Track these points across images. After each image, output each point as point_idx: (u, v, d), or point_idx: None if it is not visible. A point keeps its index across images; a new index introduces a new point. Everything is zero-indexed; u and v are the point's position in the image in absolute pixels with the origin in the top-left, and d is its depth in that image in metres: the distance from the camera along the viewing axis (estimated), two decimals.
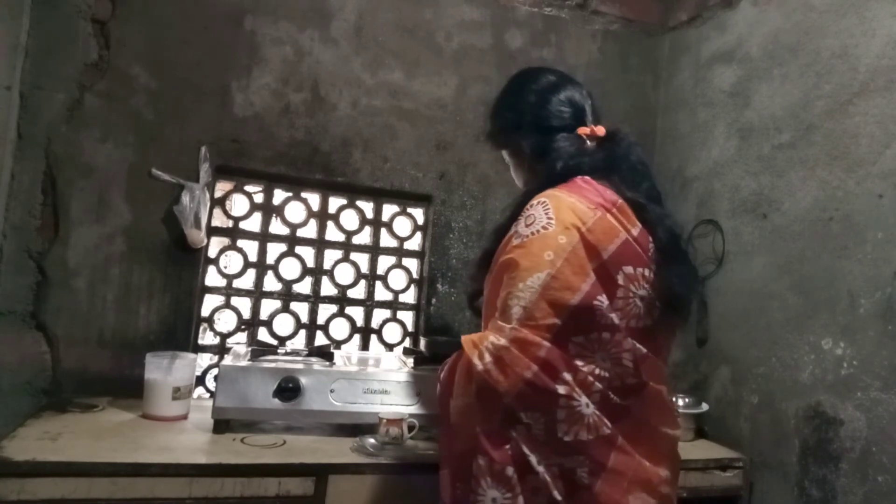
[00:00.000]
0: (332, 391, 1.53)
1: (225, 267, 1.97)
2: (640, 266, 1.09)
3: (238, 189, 1.98)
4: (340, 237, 2.09)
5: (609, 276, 1.06)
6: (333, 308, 2.07)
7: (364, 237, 2.13)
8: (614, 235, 1.08)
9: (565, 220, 1.07)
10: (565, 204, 1.09)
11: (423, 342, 1.92)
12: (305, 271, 2.03)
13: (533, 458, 1.00)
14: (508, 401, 1.00)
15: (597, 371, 1.04)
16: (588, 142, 1.24)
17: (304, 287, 2.04)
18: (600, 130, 1.25)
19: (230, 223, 1.98)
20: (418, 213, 2.17)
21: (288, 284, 2.01)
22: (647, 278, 1.10)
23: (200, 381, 1.90)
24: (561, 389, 1.00)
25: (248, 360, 1.56)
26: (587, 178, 1.16)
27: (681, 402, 1.87)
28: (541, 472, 1.00)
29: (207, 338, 1.95)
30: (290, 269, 2.02)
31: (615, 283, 1.06)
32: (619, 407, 1.05)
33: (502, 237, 1.16)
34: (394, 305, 2.13)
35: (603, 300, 1.04)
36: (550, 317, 1.01)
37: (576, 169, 1.18)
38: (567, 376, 1.01)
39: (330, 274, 2.06)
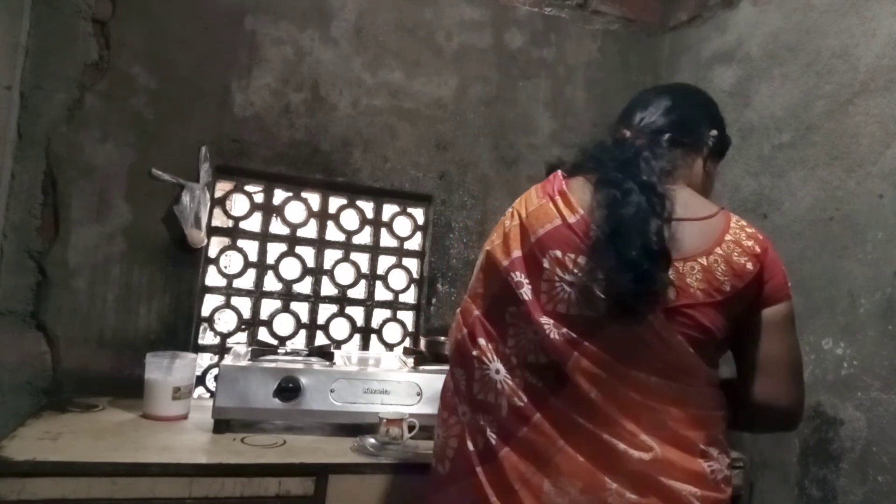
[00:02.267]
0: (332, 391, 1.53)
1: (225, 267, 1.97)
2: (570, 251, 1.06)
3: (238, 189, 1.98)
4: (340, 237, 2.09)
5: (535, 257, 1.10)
6: (333, 308, 2.07)
7: (364, 237, 2.13)
8: (546, 220, 1.11)
9: (516, 207, 1.18)
10: (525, 195, 1.19)
11: (423, 342, 1.92)
12: (305, 271, 2.03)
13: (460, 409, 1.13)
14: (450, 355, 1.19)
15: (524, 343, 1.09)
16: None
17: (305, 287, 2.04)
18: (625, 133, 1.26)
19: (230, 223, 1.98)
20: (418, 213, 2.17)
21: (288, 284, 2.01)
22: (580, 265, 1.05)
23: (201, 380, 1.90)
24: (474, 352, 1.11)
25: (249, 360, 1.56)
26: (558, 172, 1.20)
27: None
28: (464, 422, 1.12)
29: (207, 338, 1.95)
30: (290, 268, 2.02)
31: (540, 265, 1.09)
32: (536, 387, 1.06)
33: None
34: (394, 305, 2.13)
35: (518, 275, 1.09)
36: (481, 286, 1.16)
37: (565, 166, 1.23)
38: (482, 342, 1.11)
39: (330, 274, 2.06)
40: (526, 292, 1.08)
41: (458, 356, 1.16)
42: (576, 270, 1.07)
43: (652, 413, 1.04)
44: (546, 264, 1.08)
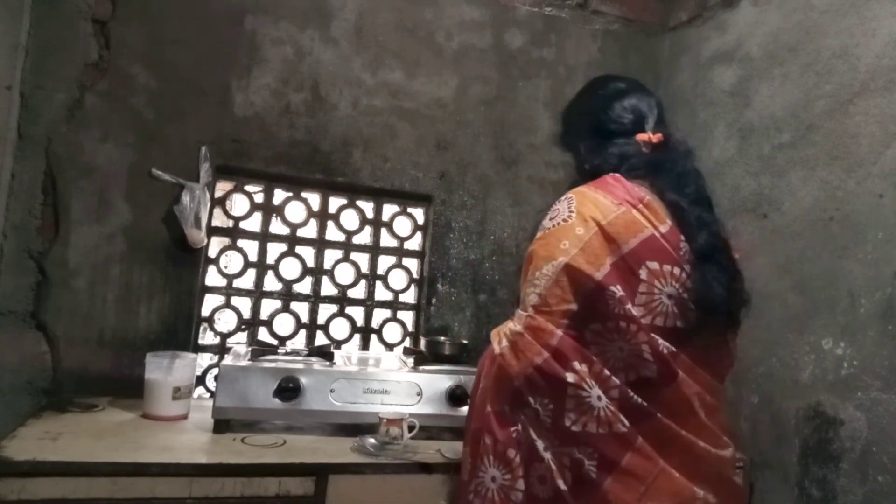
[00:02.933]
0: (332, 391, 1.53)
1: (225, 267, 1.97)
2: (667, 263, 1.08)
3: (238, 189, 1.98)
4: (341, 237, 2.09)
5: (630, 269, 1.06)
6: (334, 308, 2.07)
7: (364, 237, 2.13)
8: (637, 230, 1.08)
9: (585, 213, 1.09)
10: (589, 199, 1.12)
11: (423, 342, 1.92)
12: (306, 271, 2.03)
13: (539, 444, 1.02)
14: (518, 384, 1.04)
15: (612, 363, 1.04)
16: (644, 148, 1.25)
17: (305, 287, 2.04)
18: (656, 137, 1.26)
19: (230, 223, 1.98)
20: (418, 213, 2.17)
21: (288, 284, 2.01)
22: (677, 277, 1.08)
23: (201, 380, 1.90)
24: (570, 378, 1.02)
25: (249, 360, 1.56)
26: (617, 175, 1.17)
27: None
28: (547, 458, 1.02)
29: (208, 338, 1.95)
30: (290, 268, 2.02)
31: (637, 277, 1.06)
32: (640, 408, 1.03)
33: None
34: (394, 305, 2.13)
35: (618, 290, 1.04)
36: (564, 302, 1.04)
37: (609, 168, 1.20)
38: (578, 366, 1.02)
39: (330, 274, 2.06)
40: (629, 307, 1.04)
41: (538, 383, 1.04)
42: (674, 283, 1.08)
43: (722, 414, 1.13)
44: (643, 276, 1.06)
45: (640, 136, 1.26)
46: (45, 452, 1.24)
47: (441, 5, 2.14)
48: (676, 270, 1.08)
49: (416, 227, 2.17)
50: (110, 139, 1.79)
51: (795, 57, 1.80)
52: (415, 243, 2.18)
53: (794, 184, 1.76)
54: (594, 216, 1.09)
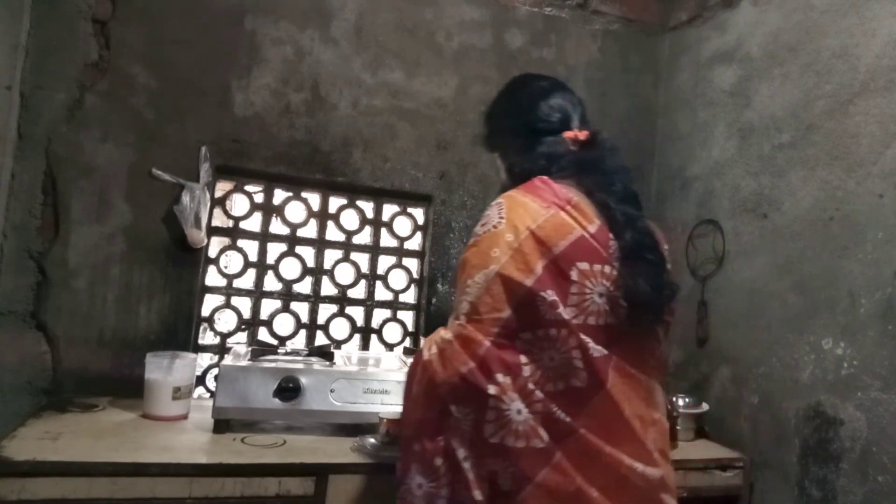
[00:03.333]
0: (332, 391, 1.53)
1: (225, 267, 1.97)
2: (597, 262, 1.08)
3: (238, 189, 1.98)
4: (341, 237, 2.09)
5: (561, 271, 1.05)
6: (334, 308, 2.07)
7: (364, 237, 2.13)
8: (567, 232, 1.08)
9: (515, 218, 1.09)
10: (518, 203, 1.12)
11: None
12: (306, 271, 2.03)
13: (460, 453, 1.02)
14: (442, 392, 1.04)
15: (540, 374, 1.02)
16: (571, 146, 1.25)
17: (305, 287, 2.04)
18: (583, 134, 1.26)
19: (230, 223, 1.98)
20: (418, 213, 2.17)
21: (288, 284, 2.01)
22: (608, 275, 1.08)
23: (201, 380, 1.90)
24: (491, 390, 1.00)
25: (249, 360, 1.56)
26: (544, 178, 1.17)
27: (681, 402, 1.87)
28: (465, 468, 1.02)
29: (208, 338, 1.95)
30: (290, 268, 2.02)
31: (568, 279, 1.05)
32: (562, 423, 1.01)
33: None
34: (394, 305, 2.13)
35: (549, 294, 1.04)
36: (494, 311, 1.04)
37: (542, 171, 1.19)
38: (501, 378, 1.01)
39: (330, 274, 2.06)
40: (560, 310, 1.03)
41: (460, 392, 1.03)
42: (605, 281, 1.07)
43: (660, 425, 1.10)
44: (574, 277, 1.06)
45: (567, 134, 1.26)
46: (45, 452, 1.24)
47: (441, 5, 2.14)
48: (607, 269, 1.08)
49: (417, 227, 2.17)
50: (110, 139, 1.79)
51: (795, 57, 1.80)
52: (415, 243, 2.18)
53: (794, 184, 1.76)
54: (524, 221, 1.08)
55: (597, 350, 1.04)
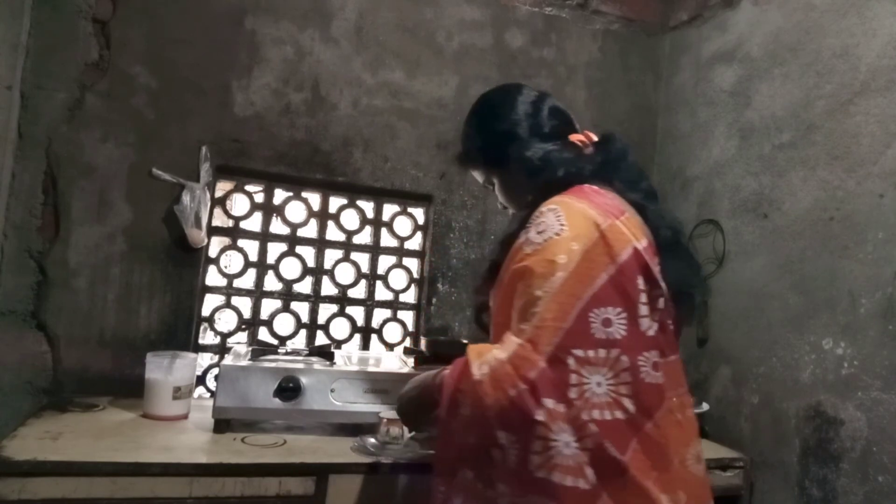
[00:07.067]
0: (332, 391, 1.53)
1: (225, 266, 1.97)
2: (649, 279, 1.04)
3: (238, 189, 1.98)
4: (341, 237, 2.09)
5: (620, 283, 1.00)
6: (334, 308, 2.07)
7: (364, 237, 2.13)
8: (626, 243, 1.03)
9: (576, 225, 1.03)
10: (576, 209, 1.06)
11: (423, 342, 1.92)
12: (306, 271, 2.03)
13: (499, 488, 0.95)
14: (490, 416, 0.95)
15: (591, 400, 0.94)
16: (584, 148, 1.23)
17: (305, 287, 2.04)
18: (592, 136, 1.25)
19: (231, 223, 1.98)
20: (419, 213, 2.17)
21: (288, 284, 2.01)
22: (656, 292, 1.05)
23: (201, 380, 1.90)
24: (539, 416, 0.91)
25: (249, 360, 1.56)
26: (591, 185, 1.13)
27: None
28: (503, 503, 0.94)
29: (208, 337, 1.95)
30: (290, 268, 2.02)
31: (625, 292, 1.01)
32: (612, 461, 0.93)
33: (509, 248, 1.12)
34: (394, 305, 2.13)
35: (607, 310, 0.98)
36: (558, 320, 0.96)
37: (577, 176, 1.15)
38: (552, 405, 0.92)
39: (330, 274, 2.06)
40: (619, 329, 0.97)
41: (508, 417, 0.93)
42: (660, 300, 1.04)
43: (697, 446, 1.08)
44: (641, 285, 1.01)
45: (576, 137, 1.24)
46: (45, 452, 1.24)
47: (441, 5, 2.14)
48: (657, 290, 1.05)
49: (417, 227, 2.17)
50: (110, 139, 1.79)
51: (796, 57, 1.80)
52: (415, 243, 2.18)
53: (794, 184, 1.76)
54: (587, 228, 1.03)
55: (649, 375, 0.98)
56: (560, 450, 0.91)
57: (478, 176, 1.38)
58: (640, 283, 1.02)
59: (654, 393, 0.98)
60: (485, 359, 0.99)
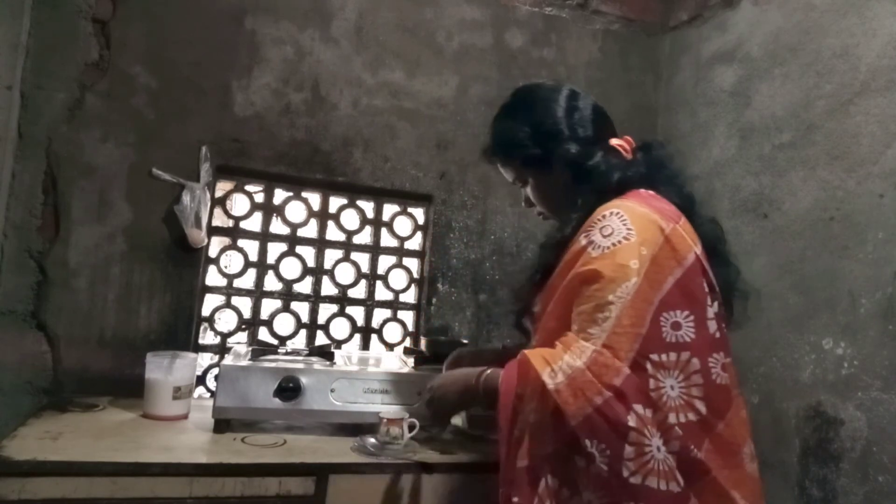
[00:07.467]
0: (332, 391, 1.53)
1: (225, 266, 1.97)
2: (707, 282, 1.06)
3: (238, 189, 1.98)
4: (341, 237, 2.09)
5: (687, 291, 1.01)
6: (334, 308, 2.07)
7: (364, 237, 2.13)
8: (688, 248, 1.04)
9: (643, 230, 1.02)
10: (640, 214, 1.05)
11: (423, 342, 1.92)
12: (306, 271, 2.03)
13: (585, 496, 0.94)
14: (574, 425, 0.93)
15: (668, 404, 0.95)
16: (625, 154, 1.22)
17: (305, 287, 2.04)
18: (632, 141, 1.24)
19: (231, 223, 1.98)
20: (419, 213, 2.17)
21: (288, 284, 2.01)
22: (714, 297, 1.07)
23: (201, 380, 1.90)
24: (631, 421, 0.91)
25: (249, 360, 1.56)
26: (647, 190, 1.13)
27: None
28: None
29: (208, 337, 1.95)
30: (290, 268, 2.02)
31: (702, 290, 1.02)
32: (696, 463, 0.94)
33: (561, 252, 1.11)
34: (394, 305, 2.13)
35: (676, 314, 0.99)
36: (636, 326, 0.96)
37: (630, 181, 1.15)
38: (641, 410, 0.92)
39: (330, 273, 2.06)
40: (688, 332, 0.98)
41: (595, 426, 0.92)
42: (715, 303, 1.06)
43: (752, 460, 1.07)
44: (699, 296, 1.02)
45: (615, 141, 1.23)
46: (45, 452, 1.24)
47: (441, 5, 2.14)
48: (713, 295, 1.08)
49: (417, 227, 2.17)
50: (110, 139, 1.79)
51: (796, 57, 1.80)
52: (415, 243, 2.18)
53: (794, 184, 1.76)
54: (654, 233, 1.02)
55: (720, 376, 1.00)
56: (654, 454, 0.91)
57: (507, 174, 1.33)
58: (704, 286, 1.03)
59: (723, 393, 1.00)
60: (558, 366, 0.97)
